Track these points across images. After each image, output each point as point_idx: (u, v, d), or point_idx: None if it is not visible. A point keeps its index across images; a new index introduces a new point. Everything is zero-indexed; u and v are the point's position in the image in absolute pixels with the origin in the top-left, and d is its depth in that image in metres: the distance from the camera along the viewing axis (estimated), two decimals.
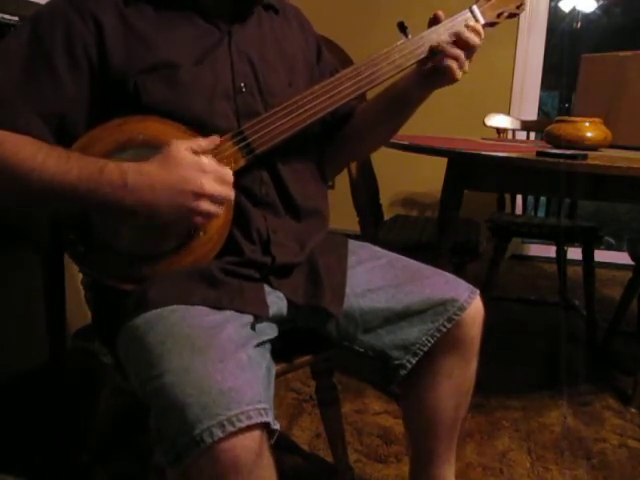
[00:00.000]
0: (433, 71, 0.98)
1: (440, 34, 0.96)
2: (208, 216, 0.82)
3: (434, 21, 0.98)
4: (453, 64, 0.95)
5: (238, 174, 0.88)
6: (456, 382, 1.02)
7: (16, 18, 1.30)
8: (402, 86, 1.03)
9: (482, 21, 1.01)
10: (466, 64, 0.97)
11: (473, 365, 1.04)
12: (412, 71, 1.00)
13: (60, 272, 1.32)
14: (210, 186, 0.80)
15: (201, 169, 0.80)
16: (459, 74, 0.96)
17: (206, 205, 0.80)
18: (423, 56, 0.97)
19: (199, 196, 0.79)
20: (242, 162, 0.89)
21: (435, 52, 0.96)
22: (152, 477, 0.97)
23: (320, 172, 1.07)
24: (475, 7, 1.01)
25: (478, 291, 1.02)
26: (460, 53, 0.95)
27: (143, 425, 0.75)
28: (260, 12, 1.01)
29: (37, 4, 1.35)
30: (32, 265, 1.46)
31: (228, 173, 0.83)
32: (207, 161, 0.82)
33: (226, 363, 0.73)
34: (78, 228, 0.85)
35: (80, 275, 1.01)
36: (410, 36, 0.97)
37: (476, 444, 1.52)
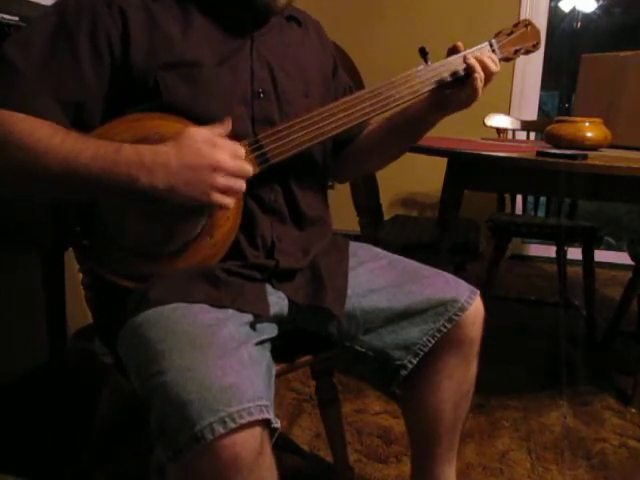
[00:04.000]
0: (447, 97, 0.99)
1: (460, 63, 0.98)
2: (227, 192, 0.80)
3: (453, 50, 0.99)
4: (478, 82, 0.97)
5: (249, 181, 0.87)
6: (457, 382, 1.02)
7: (16, 18, 1.30)
8: (415, 110, 1.03)
9: (499, 55, 1.04)
10: (479, 90, 0.98)
11: (473, 365, 1.04)
12: (427, 95, 1.01)
13: (60, 272, 1.33)
14: (225, 160, 0.79)
15: (215, 144, 0.79)
16: (473, 99, 0.98)
17: (223, 179, 0.79)
18: (442, 83, 0.98)
19: (215, 169, 0.78)
20: (256, 171, 0.88)
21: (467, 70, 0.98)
22: (152, 477, 0.97)
23: (324, 183, 1.09)
24: (494, 41, 1.04)
25: (478, 292, 1.02)
26: (480, 71, 0.97)
27: (143, 425, 0.75)
28: (283, 22, 1.02)
29: (37, 4, 1.35)
30: (32, 265, 1.47)
31: (240, 149, 0.82)
32: (220, 137, 0.81)
33: (227, 359, 0.73)
34: (85, 221, 0.85)
35: (80, 275, 1.01)
36: (430, 62, 0.98)
37: (476, 444, 1.52)
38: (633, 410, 1.71)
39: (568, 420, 1.65)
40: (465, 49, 1.00)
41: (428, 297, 0.98)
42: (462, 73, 0.98)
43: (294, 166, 0.95)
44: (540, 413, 1.68)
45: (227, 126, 0.84)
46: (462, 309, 0.98)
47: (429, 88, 0.98)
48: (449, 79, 0.98)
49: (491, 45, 1.04)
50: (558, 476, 1.41)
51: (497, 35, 1.06)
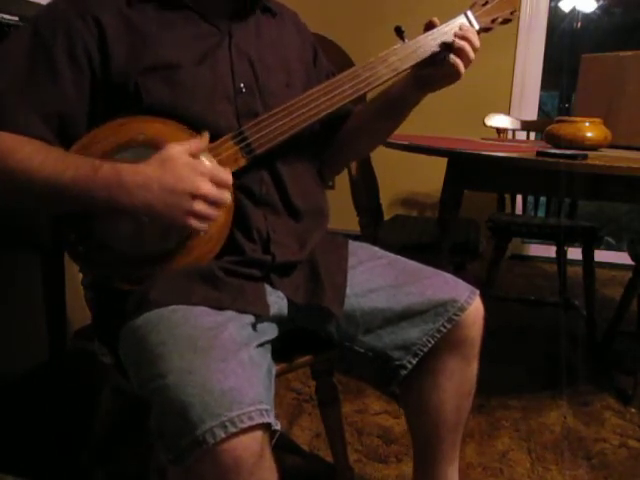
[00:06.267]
0: (427, 75, 0.99)
1: (435, 38, 0.98)
2: (204, 219, 0.81)
3: (430, 26, 0.99)
4: (458, 60, 0.96)
5: (238, 174, 0.89)
6: (457, 383, 1.02)
7: (16, 18, 1.30)
8: (398, 89, 1.04)
9: (477, 26, 1.02)
10: (462, 68, 0.97)
11: (474, 366, 1.04)
12: (408, 74, 1.01)
13: (60, 272, 1.33)
14: (205, 187, 0.80)
15: (197, 170, 0.80)
16: (463, 70, 0.97)
17: (201, 206, 0.80)
18: (422, 58, 0.98)
19: (194, 197, 0.79)
20: (242, 162, 0.89)
21: (447, 45, 0.97)
22: (152, 477, 0.97)
23: (318, 171, 1.08)
24: (470, 12, 1.03)
25: (478, 291, 1.02)
26: (466, 45, 0.96)
27: (143, 425, 0.75)
28: (258, 15, 1.02)
29: (37, 4, 1.35)
30: (32, 265, 1.47)
31: (227, 176, 0.82)
32: (204, 162, 0.82)
33: (228, 363, 0.73)
34: (79, 228, 0.85)
35: (80, 275, 1.01)
36: (407, 40, 0.98)
37: (476, 444, 1.52)
38: (633, 410, 1.71)
39: (568, 420, 1.64)
40: (440, 24, 0.98)
41: (428, 297, 0.98)
42: (438, 49, 0.97)
43: (283, 157, 0.96)
44: (540, 413, 1.68)
45: (205, 138, 0.85)
46: (462, 309, 0.98)
47: (408, 65, 0.98)
48: (427, 57, 0.97)
49: (467, 16, 1.02)
50: (558, 476, 1.41)
51: (472, 6, 1.04)
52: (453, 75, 0.97)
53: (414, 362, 0.99)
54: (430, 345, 0.98)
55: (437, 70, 0.98)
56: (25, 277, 1.54)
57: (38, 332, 1.46)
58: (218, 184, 0.81)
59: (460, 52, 0.96)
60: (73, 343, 1.59)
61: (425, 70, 0.99)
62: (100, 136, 0.84)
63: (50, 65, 0.84)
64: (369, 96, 1.06)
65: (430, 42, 0.98)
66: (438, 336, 0.98)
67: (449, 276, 1.04)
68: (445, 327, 0.97)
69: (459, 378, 1.02)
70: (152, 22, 0.89)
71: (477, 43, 0.98)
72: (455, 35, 0.97)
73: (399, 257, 1.07)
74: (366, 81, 0.96)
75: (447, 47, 0.97)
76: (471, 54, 0.97)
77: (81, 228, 0.85)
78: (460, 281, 1.03)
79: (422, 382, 1.03)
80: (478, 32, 1.01)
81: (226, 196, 0.83)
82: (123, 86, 0.86)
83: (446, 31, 0.98)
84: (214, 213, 0.82)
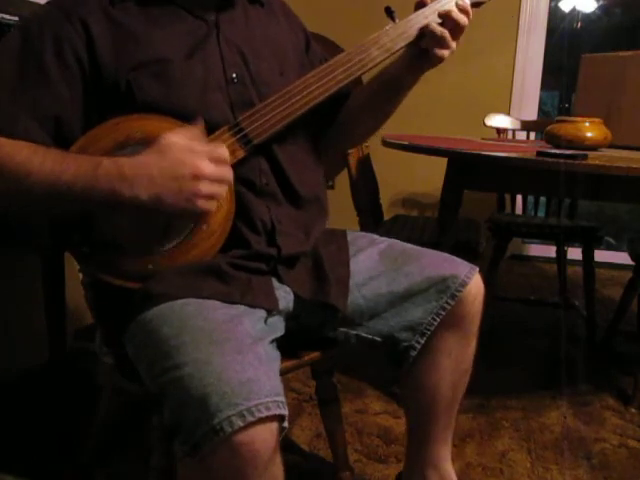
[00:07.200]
0: (421, 54, 0.98)
1: (427, 16, 0.97)
2: (211, 197, 0.81)
3: (421, 4, 0.98)
4: (438, 50, 0.95)
5: (237, 165, 0.88)
6: (455, 361, 1.03)
7: (16, 18, 1.30)
8: (392, 70, 1.03)
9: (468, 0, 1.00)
10: (453, 44, 0.96)
11: (473, 343, 1.04)
12: (401, 55, 1.01)
13: (60, 272, 1.33)
14: (207, 166, 0.79)
15: (194, 151, 0.80)
16: (445, 55, 0.96)
17: (207, 186, 0.79)
18: (412, 39, 0.97)
19: (197, 177, 0.79)
20: (241, 153, 0.89)
21: (424, 33, 0.96)
22: (152, 477, 0.97)
23: (317, 160, 1.08)
24: None
25: (477, 268, 1.03)
26: (445, 32, 0.95)
27: (143, 425, 0.75)
28: (246, 5, 1.02)
29: (37, 4, 1.35)
30: (32, 265, 1.47)
31: (223, 151, 0.82)
32: (200, 143, 0.82)
33: (244, 355, 0.73)
34: (81, 229, 0.85)
35: (80, 275, 1.01)
36: (397, 20, 0.98)
37: (476, 444, 1.52)
38: (633, 410, 1.71)
39: (568, 420, 1.64)
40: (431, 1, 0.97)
41: (427, 276, 0.99)
42: (427, 28, 0.95)
43: (281, 146, 0.96)
44: (540, 413, 1.68)
45: (200, 124, 0.84)
46: (463, 284, 0.98)
47: (400, 45, 0.97)
48: (414, 37, 0.96)
49: None
50: (558, 476, 1.41)
51: None
52: (439, 55, 0.96)
53: (422, 342, 1.00)
54: (436, 323, 0.99)
55: (427, 48, 0.96)
56: (25, 277, 1.55)
57: (38, 332, 1.46)
58: (217, 161, 0.81)
59: (456, 26, 0.95)
60: (73, 343, 1.59)
61: (417, 49, 0.98)
62: (97, 136, 0.84)
63: (41, 70, 0.84)
64: (364, 78, 1.05)
65: (422, 21, 0.97)
66: (443, 313, 0.98)
67: (447, 255, 1.04)
68: (449, 304, 0.98)
69: (458, 356, 1.03)
70: (138, 20, 0.89)
71: (462, 20, 0.96)
72: (457, 6, 0.96)
73: (397, 241, 1.09)
74: (359, 64, 0.95)
75: (442, 25, 0.95)
76: (446, 35, 0.95)
77: (84, 228, 0.85)
78: (458, 259, 1.04)
79: (421, 359, 1.02)
80: (470, 5, 0.99)
81: (228, 171, 0.82)
82: (114, 85, 0.86)
83: (437, 8, 0.97)
84: (219, 190, 0.81)
